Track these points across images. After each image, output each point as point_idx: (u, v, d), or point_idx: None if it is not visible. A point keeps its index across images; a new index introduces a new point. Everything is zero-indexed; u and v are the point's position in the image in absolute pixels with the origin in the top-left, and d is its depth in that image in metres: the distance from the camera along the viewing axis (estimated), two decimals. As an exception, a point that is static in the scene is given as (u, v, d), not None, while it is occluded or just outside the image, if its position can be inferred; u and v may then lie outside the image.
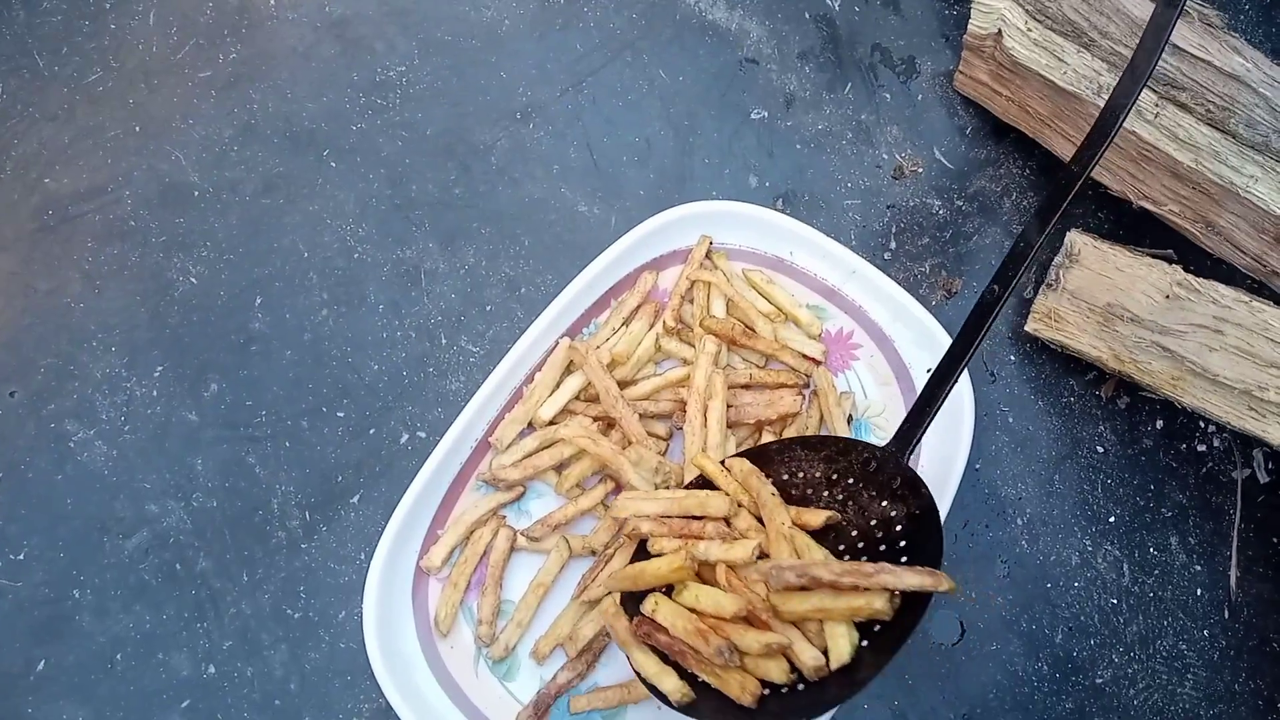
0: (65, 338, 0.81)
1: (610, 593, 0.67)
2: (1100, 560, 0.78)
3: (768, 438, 0.75)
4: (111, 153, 0.86)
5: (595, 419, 0.75)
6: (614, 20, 0.92)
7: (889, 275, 0.78)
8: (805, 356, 0.77)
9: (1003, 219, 0.87)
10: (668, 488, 0.72)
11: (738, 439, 0.75)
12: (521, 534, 0.74)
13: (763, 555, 0.62)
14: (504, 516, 0.75)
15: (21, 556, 0.75)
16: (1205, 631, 0.76)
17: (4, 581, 0.75)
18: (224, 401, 0.80)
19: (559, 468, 0.75)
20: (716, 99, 0.90)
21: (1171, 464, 0.80)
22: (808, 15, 0.93)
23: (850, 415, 0.77)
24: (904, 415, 0.74)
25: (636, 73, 0.90)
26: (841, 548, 0.63)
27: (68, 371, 0.80)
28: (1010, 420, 0.81)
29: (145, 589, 0.75)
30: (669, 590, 0.64)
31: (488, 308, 0.83)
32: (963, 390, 0.73)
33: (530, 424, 0.76)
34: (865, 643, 0.58)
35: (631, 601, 0.65)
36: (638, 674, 0.62)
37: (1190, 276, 0.75)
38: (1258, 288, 0.79)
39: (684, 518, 0.67)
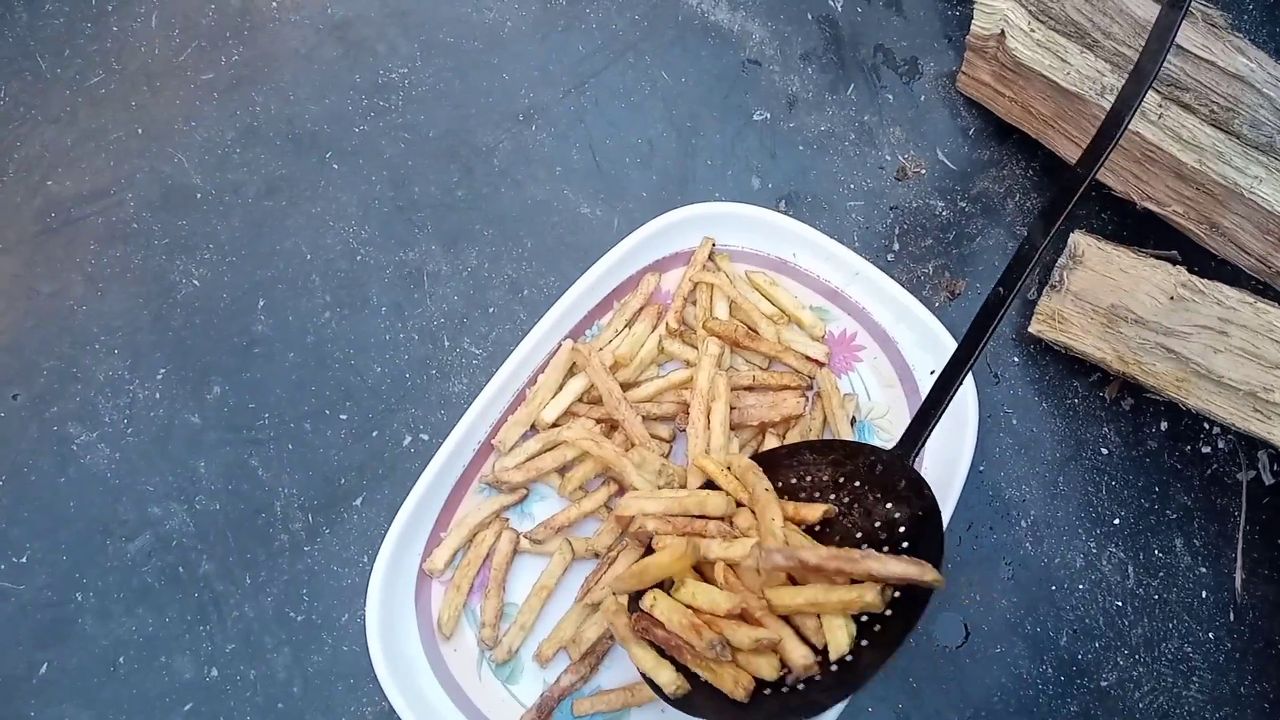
0: (68, 340, 0.81)
1: (615, 594, 0.67)
2: (1105, 562, 0.78)
3: (771, 439, 0.75)
4: (114, 155, 0.86)
5: (598, 421, 0.75)
6: (616, 22, 0.92)
7: (892, 277, 0.78)
8: (808, 358, 0.77)
9: (1006, 220, 0.86)
10: (671, 490, 0.72)
11: (741, 441, 0.75)
12: (524, 536, 0.74)
13: None
14: (507, 519, 0.75)
15: (24, 559, 0.75)
16: (1211, 634, 0.76)
17: (6, 584, 0.75)
18: (227, 404, 0.80)
19: (562, 470, 0.75)
20: (719, 100, 0.90)
21: (1176, 466, 0.80)
22: (810, 16, 0.93)
23: (854, 417, 0.77)
24: (907, 417, 0.74)
25: (639, 74, 0.90)
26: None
27: (70, 374, 0.80)
28: (1014, 422, 0.81)
29: (148, 592, 0.75)
30: (669, 588, 0.65)
31: (490, 310, 0.83)
32: (967, 392, 0.73)
33: (533, 426, 0.75)
34: (865, 642, 0.59)
35: (633, 599, 0.66)
36: (637, 668, 0.63)
37: (1194, 278, 0.75)
38: (1262, 289, 0.79)
39: (686, 516, 0.67)
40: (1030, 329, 0.79)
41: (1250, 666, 0.76)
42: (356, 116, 0.88)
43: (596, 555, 0.73)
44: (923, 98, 0.90)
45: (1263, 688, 0.75)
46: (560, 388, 0.76)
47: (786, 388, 0.76)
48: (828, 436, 0.76)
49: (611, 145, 0.88)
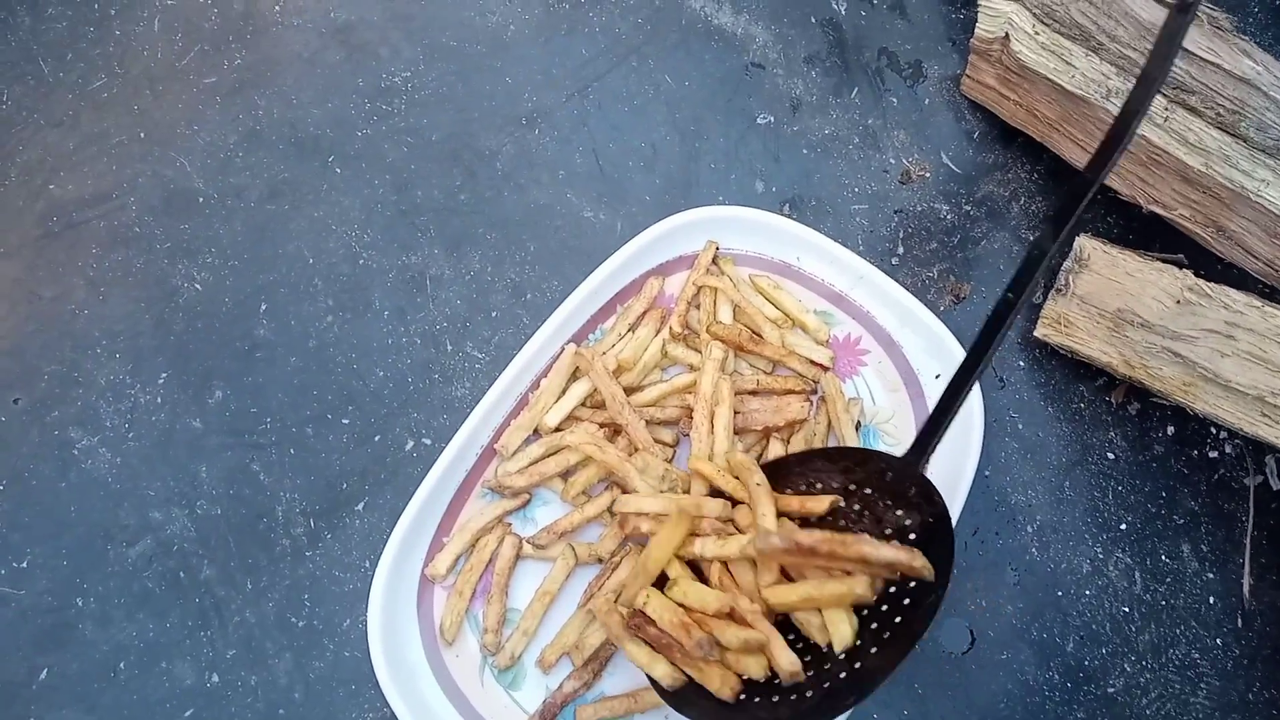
0: (69, 344, 0.81)
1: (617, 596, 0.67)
2: (1112, 568, 0.77)
3: (775, 444, 0.74)
4: (116, 159, 0.86)
5: (601, 425, 0.75)
6: (619, 25, 0.91)
7: (897, 280, 0.78)
8: (813, 362, 0.77)
9: (1011, 223, 0.86)
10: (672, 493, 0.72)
11: (744, 446, 0.75)
12: (527, 541, 0.73)
13: None
14: (510, 524, 0.75)
15: (25, 564, 0.75)
16: (1218, 640, 0.76)
17: (7, 589, 0.74)
18: (228, 408, 0.79)
19: (565, 475, 0.74)
20: (722, 104, 0.89)
21: (1183, 470, 0.80)
22: (814, 20, 0.92)
23: (858, 421, 0.76)
24: (913, 421, 0.74)
25: (642, 78, 0.90)
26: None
27: (72, 378, 0.80)
28: (1020, 427, 0.80)
29: (149, 597, 0.74)
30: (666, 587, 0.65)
31: (493, 313, 0.83)
32: (972, 397, 0.73)
33: (536, 431, 0.75)
34: (875, 650, 0.59)
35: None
36: (634, 663, 0.63)
37: (1201, 281, 0.74)
38: (1269, 293, 0.78)
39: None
40: (1036, 333, 0.79)
41: (1258, 673, 0.75)
42: (359, 120, 0.88)
43: (599, 560, 0.73)
44: (927, 101, 0.90)
45: (1271, 694, 0.75)
46: (563, 392, 0.75)
47: (791, 392, 0.75)
48: (832, 441, 0.76)
49: (615, 149, 0.88)
